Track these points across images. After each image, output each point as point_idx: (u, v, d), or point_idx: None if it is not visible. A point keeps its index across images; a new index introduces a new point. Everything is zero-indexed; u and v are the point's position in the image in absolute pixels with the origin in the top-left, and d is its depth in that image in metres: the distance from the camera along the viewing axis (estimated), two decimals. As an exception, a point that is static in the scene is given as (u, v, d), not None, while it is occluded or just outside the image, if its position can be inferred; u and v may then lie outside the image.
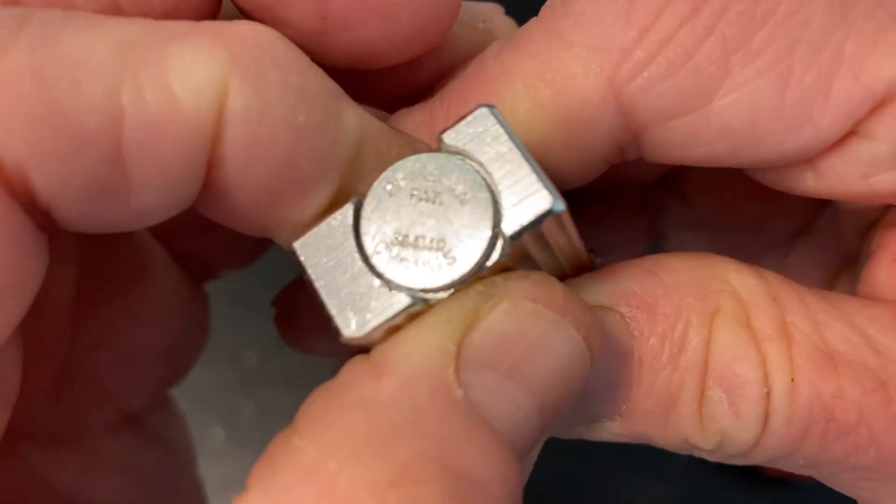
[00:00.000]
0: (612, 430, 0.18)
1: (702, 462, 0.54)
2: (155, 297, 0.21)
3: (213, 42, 0.13)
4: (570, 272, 0.18)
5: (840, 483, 0.17)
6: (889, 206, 0.18)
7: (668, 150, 0.16)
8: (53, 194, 0.12)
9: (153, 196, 0.13)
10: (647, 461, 0.50)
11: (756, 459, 0.17)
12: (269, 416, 0.48)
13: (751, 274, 0.17)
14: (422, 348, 0.13)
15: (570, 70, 0.16)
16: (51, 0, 0.14)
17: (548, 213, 0.14)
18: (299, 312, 0.23)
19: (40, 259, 0.13)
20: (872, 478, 0.16)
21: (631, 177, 0.22)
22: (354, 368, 0.14)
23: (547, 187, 0.14)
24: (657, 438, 0.17)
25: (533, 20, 0.17)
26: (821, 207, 0.22)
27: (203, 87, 0.13)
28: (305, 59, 0.14)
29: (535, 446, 0.15)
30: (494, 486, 0.13)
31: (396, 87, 0.18)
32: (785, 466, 0.17)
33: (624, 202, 0.25)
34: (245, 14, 0.16)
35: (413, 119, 0.18)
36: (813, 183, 0.17)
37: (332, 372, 0.15)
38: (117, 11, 0.14)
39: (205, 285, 0.24)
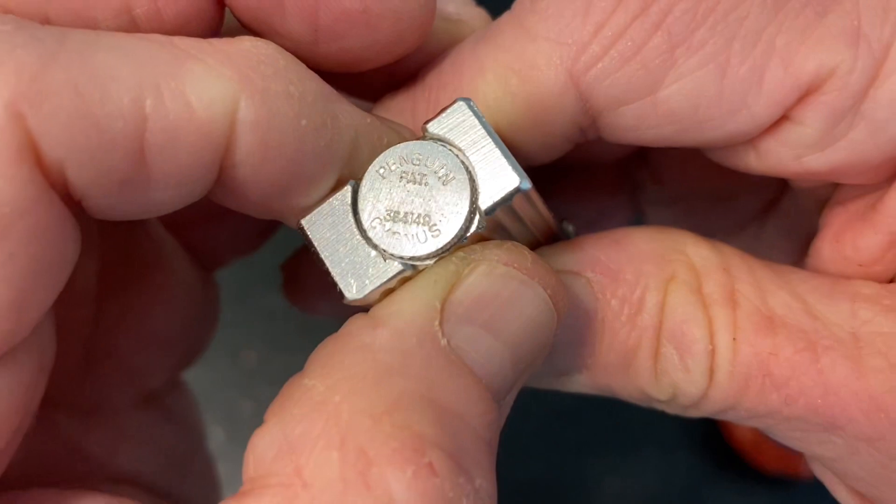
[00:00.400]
0: (580, 382, 0.20)
1: (702, 462, 0.54)
2: (170, 284, 0.23)
3: (224, 60, 0.15)
4: (543, 240, 0.20)
5: (778, 433, 0.19)
6: (836, 187, 0.20)
7: (621, 132, 0.19)
8: (86, 187, 0.14)
9: (170, 190, 0.15)
10: (647, 461, 0.50)
11: (706, 411, 0.19)
12: (270, 416, 0.48)
13: (706, 247, 0.20)
14: (412, 305, 0.16)
15: (535, 61, 0.18)
16: (77, 15, 0.16)
17: (516, 191, 0.16)
18: (303, 277, 0.25)
19: (75, 242, 0.15)
20: (803, 428, 0.18)
21: (603, 155, 0.25)
22: (356, 322, 0.16)
23: (515, 169, 0.16)
24: (619, 390, 0.20)
25: (506, 14, 0.19)
26: (783, 186, 0.24)
27: (215, 100, 0.15)
28: (302, 68, 0.16)
29: (510, 391, 0.17)
30: (473, 418, 0.15)
31: (380, 79, 0.20)
32: (733, 419, 0.19)
33: (602, 180, 0.27)
34: (245, 26, 0.18)
35: (398, 106, 0.20)
36: (756, 162, 0.19)
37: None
38: (133, 24, 0.16)
39: (214, 274, 0.27)
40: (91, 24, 0.16)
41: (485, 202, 0.16)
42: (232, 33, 0.17)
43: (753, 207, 0.25)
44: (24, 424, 0.15)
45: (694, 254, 0.19)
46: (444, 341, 0.16)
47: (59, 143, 0.13)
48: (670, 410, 0.20)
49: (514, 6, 0.19)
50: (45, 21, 0.15)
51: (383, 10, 0.17)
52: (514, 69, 0.18)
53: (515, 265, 0.17)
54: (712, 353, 0.18)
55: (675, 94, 0.17)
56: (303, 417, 0.15)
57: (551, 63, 0.18)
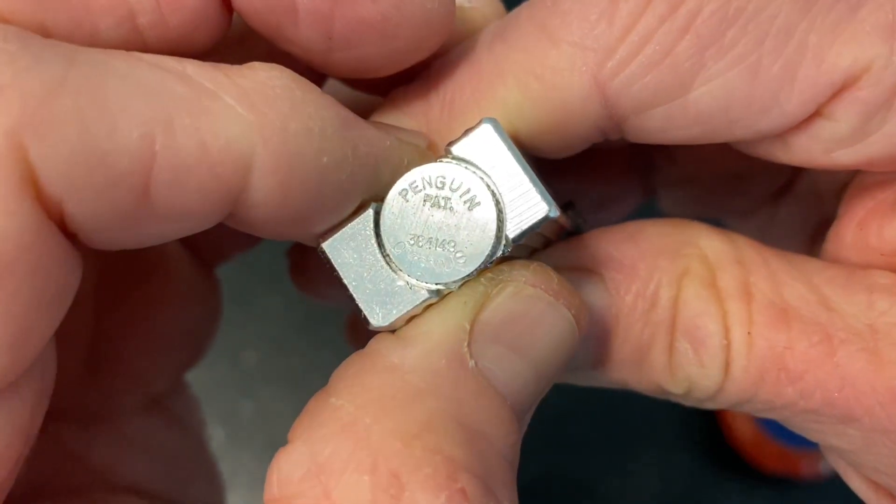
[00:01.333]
0: (595, 377, 0.20)
1: (702, 462, 0.54)
2: (172, 285, 0.22)
3: (241, 98, 0.14)
4: (555, 239, 0.20)
5: (795, 425, 0.19)
6: (858, 171, 0.20)
7: (647, 134, 0.18)
8: (84, 222, 0.14)
9: (174, 224, 0.15)
10: (647, 460, 0.50)
11: (722, 404, 0.19)
12: (269, 416, 0.48)
13: (720, 239, 0.19)
14: (442, 326, 0.16)
15: (558, 66, 0.17)
16: (78, 24, 0.15)
17: (545, 219, 0.16)
18: (310, 263, 0.25)
19: (75, 272, 0.14)
20: (819, 420, 0.18)
21: (617, 142, 0.25)
22: (384, 341, 0.16)
23: (544, 197, 0.16)
24: (634, 384, 0.20)
25: (524, 10, 0.18)
26: (799, 169, 0.24)
27: (231, 141, 0.14)
28: (319, 96, 0.16)
29: (530, 409, 0.17)
30: (499, 440, 0.15)
31: (392, 78, 0.19)
32: (749, 410, 0.19)
33: (614, 160, 0.27)
34: (257, 33, 0.17)
35: (410, 107, 0.19)
36: (782, 154, 0.19)
37: (331, 372, 0.16)
38: (137, 32, 0.15)
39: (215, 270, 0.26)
40: (93, 33, 0.15)
41: (512, 230, 0.16)
42: (238, 37, 0.17)
43: (768, 189, 0.25)
44: (25, 451, 0.15)
45: (707, 246, 0.19)
46: (472, 363, 0.16)
47: (61, 178, 0.13)
48: (686, 403, 0.20)
49: (533, 3, 0.18)
50: (43, 30, 0.15)
51: (402, 19, 0.16)
52: (536, 74, 0.17)
53: (542, 286, 0.17)
54: (727, 348, 0.18)
55: (705, 96, 0.17)
56: (331, 438, 0.14)
57: (575, 69, 0.17)
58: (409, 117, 0.19)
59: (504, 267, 0.17)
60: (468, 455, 0.14)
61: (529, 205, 0.16)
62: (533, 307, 0.17)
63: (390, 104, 0.19)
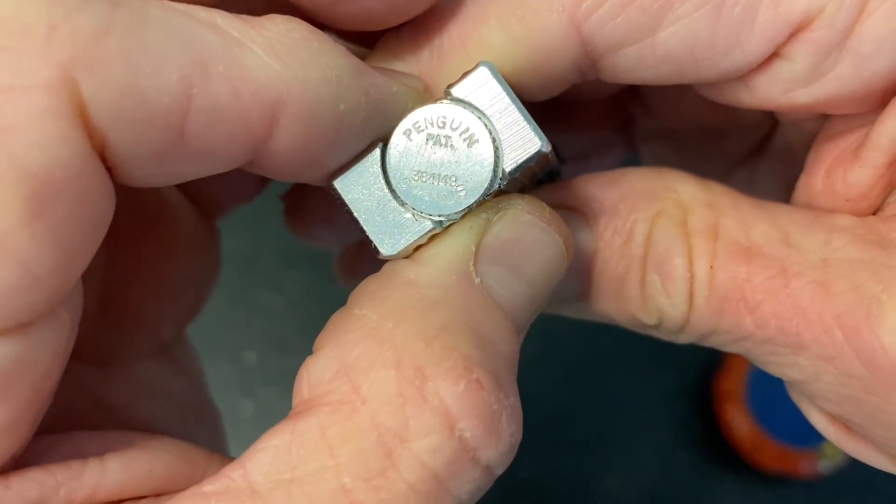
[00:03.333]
0: (580, 309, 0.22)
1: (702, 462, 0.54)
2: (176, 233, 0.24)
3: (267, 48, 0.15)
4: (543, 177, 0.22)
5: (756, 358, 0.20)
6: (825, 121, 0.21)
7: (621, 72, 0.20)
8: (123, 156, 0.14)
9: (202, 164, 0.16)
10: (647, 461, 0.50)
11: (692, 335, 0.21)
12: (269, 416, 0.48)
13: (695, 184, 0.21)
14: (451, 248, 0.18)
15: (537, 7, 0.19)
16: None
17: (538, 153, 0.18)
18: (305, 207, 0.27)
19: (112, 205, 0.15)
20: (775, 351, 0.19)
21: (598, 91, 0.26)
22: (397, 264, 0.18)
23: (536, 132, 0.18)
24: (614, 315, 0.22)
25: None
26: (773, 124, 0.25)
27: (260, 90, 0.15)
28: (333, 46, 0.17)
29: (526, 326, 0.19)
30: (503, 346, 0.17)
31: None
32: (717, 345, 0.21)
33: (595, 113, 0.29)
34: None
35: (400, 53, 0.20)
36: (747, 97, 0.20)
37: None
38: None
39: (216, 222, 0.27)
40: None
41: (508, 164, 0.18)
42: None
43: (745, 146, 0.27)
44: (61, 373, 0.16)
45: (683, 191, 0.21)
46: (478, 280, 0.17)
47: (108, 112, 0.14)
48: (663, 337, 0.21)
49: None
50: None
51: None
52: (518, 16, 0.19)
53: (536, 214, 0.18)
54: (691, 280, 0.20)
55: (672, 37, 0.18)
56: (358, 342, 0.16)
57: (553, 9, 0.18)
58: (401, 62, 0.20)
59: (503, 199, 0.18)
60: (481, 354, 0.16)
61: (524, 141, 0.18)
62: (529, 232, 0.18)
63: (382, 50, 0.21)
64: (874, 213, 0.20)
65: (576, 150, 0.29)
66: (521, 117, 0.18)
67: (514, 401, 0.16)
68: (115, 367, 0.23)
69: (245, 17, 0.16)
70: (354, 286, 0.18)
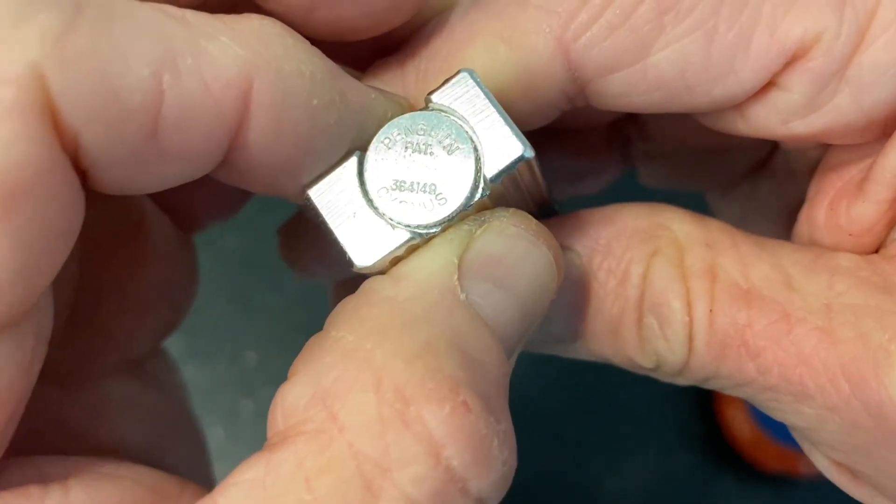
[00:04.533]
0: (576, 349, 0.21)
1: (702, 462, 0.54)
2: (151, 247, 0.23)
3: (237, 39, 0.15)
4: (536, 212, 0.21)
5: (759, 403, 0.19)
6: (828, 148, 0.20)
7: (610, 99, 0.19)
8: (96, 157, 0.14)
9: (176, 166, 0.15)
10: (647, 461, 0.50)
11: (692, 379, 0.20)
12: (270, 416, 0.48)
13: (692, 222, 0.20)
14: (431, 261, 0.17)
15: (524, 29, 0.18)
16: None
17: (520, 159, 0.17)
18: (300, 241, 0.26)
19: (81, 210, 0.15)
20: (778, 398, 0.19)
21: (592, 119, 0.26)
22: (376, 280, 0.17)
23: (519, 137, 0.17)
24: (611, 357, 0.21)
25: None
26: (773, 144, 0.24)
27: (231, 80, 0.15)
28: (308, 45, 0.16)
29: (516, 348, 0.18)
30: (492, 367, 0.16)
31: (370, 45, 0.20)
32: (718, 388, 0.20)
33: (591, 136, 0.28)
34: None
35: (388, 74, 0.20)
36: (743, 126, 0.19)
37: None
38: None
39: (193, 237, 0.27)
40: None
41: (490, 170, 0.17)
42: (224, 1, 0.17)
43: (744, 165, 0.26)
44: (26, 395, 0.15)
45: (679, 229, 0.20)
46: (462, 295, 0.16)
47: (79, 110, 0.13)
48: (661, 378, 0.21)
49: None
50: None
51: None
52: (504, 37, 0.18)
53: (522, 226, 0.17)
54: (689, 324, 0.19)
55: (664, 61, 0.18)
56: (335, 365, 0.15)
57: (540, 31, 0.18)
58: (386, 83, 0.20)
59: (486, 213, 0.18)
60: (467, 375, 0.15)
61: (506, 147, 0.17)
62: (516, 245, 0.17)
63: (371, 74, 0.20)
64: (877, 250, 0.19)
65: (571, 170, 0.28)
66: (503, 122, 0.17)
67: (506, 425, 0.15)
68: (81, 386, 0.21)
69: (218, 15, 0.16)
70: None
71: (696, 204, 0.29)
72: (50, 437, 0.20)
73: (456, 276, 0.16)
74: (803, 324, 0.18)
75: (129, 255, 0.22)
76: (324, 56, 0.17)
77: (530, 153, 0.17)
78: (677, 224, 0.20)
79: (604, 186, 0.29)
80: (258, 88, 0.15)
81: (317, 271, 0.26)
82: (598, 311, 0.20)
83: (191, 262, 0.25)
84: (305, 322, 0.49)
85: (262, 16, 0.16)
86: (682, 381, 0.20)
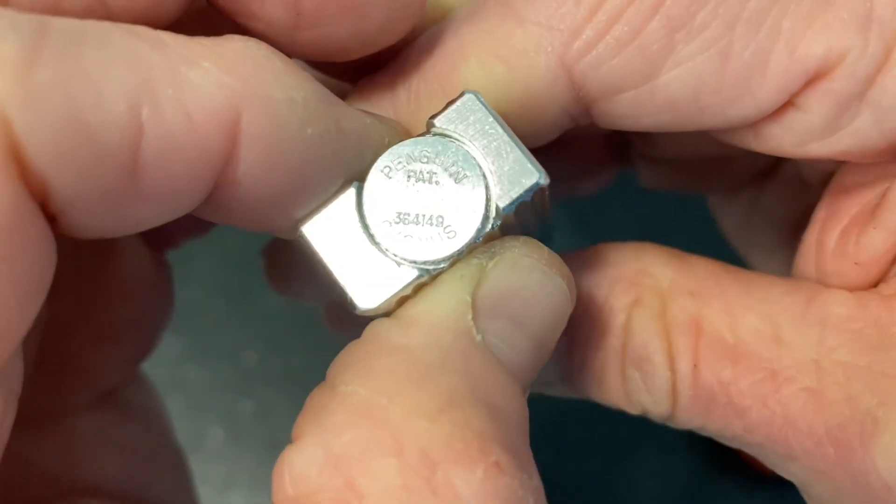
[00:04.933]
0: (566, 391, 0.21)
1: (702, 462, 0.54)
2: (123, 274, 0.21)
3: (221, 64, 0.13)
4: (536, 236, 0.20)
5: (753, 453, 0.19)
6: (842, 163, 0.19)
7: (616, 119, 0.18)
8: (68, 202, 0.12)
9: (157, 207, 0.14)
10: (647, 461, 0.50)
11: (683, 427, 0.19)
12: (269, 416, 0.48)
13: (676, 267, 0.19)
14: (443, 301, 0.15)
15: (523, 48, 0.17)
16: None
17: (535, 186, 0.16)
18: (286, 262, 0.24)
19: (53, 259, 0.13)
20: (765, 455, 0.18)
21: (592, 132, 0.25)
22: (382, 325, 0.15)
23: (532, 164, 0.16)
24: (598, 400, 0.20)
25: None
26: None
27: (216, 111, 0.13)
28: (298, 69, 0.15)
29: (529, 386, 0.17)
30: (515, 414, 0.15)
31: (360, 64, 0.19)
32: (712, 436, 0.19)
33: (591, 138, 0.26)
34: (218, 8, 0.16)
35: (376, 94, 0.19)
36: (754, 143, 0.18)
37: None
38: (101, 3, 0.14)
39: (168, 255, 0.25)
40: (56, 2, 0.14)
41: (503, 199, 0.16)
42: (196, 14, 0.16)
43: (750, 172, 0.25)
44: None
45: (661, 275, 0.19)
46: (478, 337, 0.15)
47: (48, 153, 0.12)
48: (653, 419, 0.20)
49: None
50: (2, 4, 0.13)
51: None
52: (500, 56, 0.17)
53: (535, 256, 0.16)
54: (672, 379, 0.18)
55: (674, 81, 0.17)
56: (347, 425, 0.14)
57: (541, 49, 0.17)
58: (377, 108, 0.18)
59: (496, 243, 0.16)
60: (494, 429, 0.14)
61: (519, 174, 0.16)
62: (531, 279, 0.16)
63: (357, 95, 0.19)
64: (877, 284, 0.19)
65: (567, 173, 0.27)
66: (516, 147, 0.16)
67: (537, 481, 0.14)
68: (54, 426, 0.20)
69: (197, 38, 0.14)
70: (350, 335, 0.16)
71: (699, 206, 0.29)
72: (24, 486, 0.19)
73: (470, 316, 0.15)
74: (791, 383, 0.17)
75: (100, 283, 0.21)
76: (315, 80, 0.15)
77: (546, 180, 0.16)
78: (659, 269, 0.19)
79: (601, 188, 0.28)
80: (247, 120, 0.13)
81: (305, 294, 0.25)
82: (582, 361, 0.19)
83: (165, 282, 0.24)
84: (305, 322, 0.49)
85: (245, 37, 0.15)
86: (673, 426, 0.20)
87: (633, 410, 0.20)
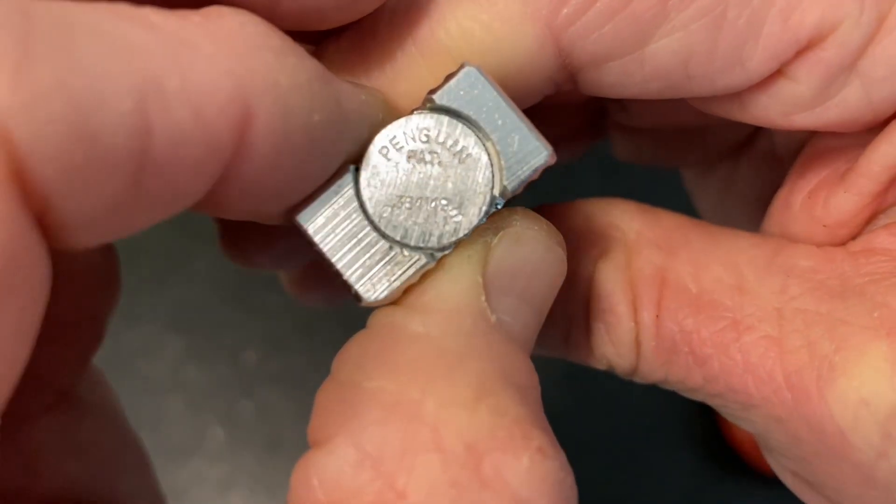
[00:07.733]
0: (536, 350, 0.20)
1: (702, 462, 0.54)
2: (70, 265, 0.19)
3: (222, 49, 0.12)
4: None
5: (715, 407, 0.19)
6: (814, 132, 0.19)
7: (603, 87, 0.17)
8: (68, 217, 0.11)
9: (156, 210, 0.12)
10: (647, 461, 0.50)
11: (647, 380, 0.19)
12: (269, 416, 0.48)
13: (643, 220, 0.19)
14: (455, 285, 0.15)
15: (507, 14, 0.16)
16: None
17: (543, 165, 0.15)
18: (241, 230, 0.23)
19: (49, 284, 0.12)
20: (726, 405, 0.18)
21: (574, 94, 0.24)
22: (394, 314, 0.15)
23: (540, 140, 0.15)
24: (566, 357, 0.20)
25: None
26: (758, 126, 0.23)
27: (224, 105, 0.12)
28: (295, 47, 0.14)
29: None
30: (534, 390, 0.14)
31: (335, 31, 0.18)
32: (675, 390, 0.19)
33: (568, 104, 0.26)
34: None
35: (345, 59, 0.17)
36: (738, 112, 0.18)
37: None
38: None
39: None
40: None
41: (510, 179, 0.15)
42: None
43: (725, 144, 0.25)
44: None
45: (628, 228, 0.19)
46: (493, 317, 0.15)
47: (53, 168, 0.10)
48: (621, 375, 0.20)
49: None
50: None
51: None
52: (482, 21, 0.16)
53: (536, 228, 0.16)
54: (636, 329, 0.18)
55: (665, 50, 0.16)
56: (380, 423, 0.13)
57: (527, 16, 0.16)
58: (343, 69, 0.17)
59: (493, 218, 0.16)
60: (529, 411, 0.13)
61: (526, 150, 0.15)
62: (533, 251, 0.16)
63: (322, 56, 0.17)
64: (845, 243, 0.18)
65: (545, 136, 0.26)
66: (521, 123, 0.15)
67: (564, 456, 0.14)
68: (11, 438, 0.18)
69: (183, 12, 0.12)
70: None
71: (674, 185, 0.28)
72: None
73: (483, 297, 0.15)
74: (752, 331, 0.17)
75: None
76: (311, 58, 0.14)
77: (553, 158, 0.15)
78: (626, 222, 0.19)
79: (576, 157, 0.28)
80: (255, 112, 0.12)
81: (261, 262, 0.24)
82: (550, 316, 0.18)
83: (110, 267, 0.22)
84: (305, 322, 0.49)
85: (234, 10, 0.13)
86: (638, 381, 0.20)
87: (599, 365, 0.19)
